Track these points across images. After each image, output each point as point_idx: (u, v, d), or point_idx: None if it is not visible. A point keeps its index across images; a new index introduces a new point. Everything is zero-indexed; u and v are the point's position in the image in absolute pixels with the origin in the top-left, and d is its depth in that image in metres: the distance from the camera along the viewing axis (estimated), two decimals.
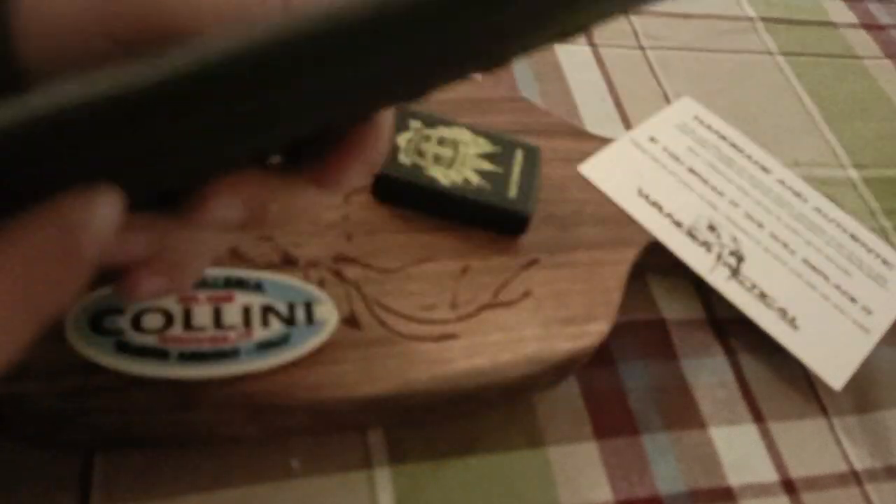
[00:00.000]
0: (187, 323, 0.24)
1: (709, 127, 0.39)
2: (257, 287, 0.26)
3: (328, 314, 0.26)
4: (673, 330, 0.33)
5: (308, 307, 0.26)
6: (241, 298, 0.25)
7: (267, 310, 0.25)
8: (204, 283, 0.25)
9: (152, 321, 0.24)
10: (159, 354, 0.23)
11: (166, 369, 0.23)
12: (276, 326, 0.25)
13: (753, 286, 0.33)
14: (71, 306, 0.23)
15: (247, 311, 0.25)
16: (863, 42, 0.51)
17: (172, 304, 0.25)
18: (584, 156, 0.35)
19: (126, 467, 0.25)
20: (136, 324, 0.24)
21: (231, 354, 0.24)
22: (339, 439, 0.27)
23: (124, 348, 0.23)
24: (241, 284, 0.26)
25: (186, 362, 0.24)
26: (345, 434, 0.27)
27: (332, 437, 0.27)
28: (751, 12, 0.50)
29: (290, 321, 0.25)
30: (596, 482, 0.28)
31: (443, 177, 0.30)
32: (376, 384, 0.25)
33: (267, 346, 0.25)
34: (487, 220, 0.31)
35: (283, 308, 0.25)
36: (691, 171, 0.36)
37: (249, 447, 0.26)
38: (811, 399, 0.33)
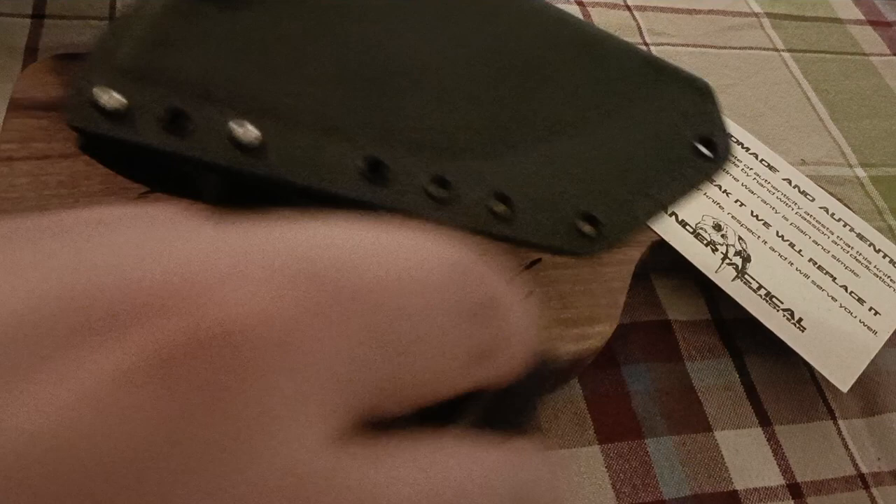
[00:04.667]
0: None
1: None
2: None
3: None
4: (678, 331, 0.33)
5: None
6: None
7: None
8: None
9: None
10: None
11: None
12: None
13: (760, 287, 0.32)
14: None
15: None
16: (869, 39, 0.50)
17: None
18: None
19: None
20: None
21: None
22: None
23: None
24: None
25: None
26: None
27: None
28: (756, 8, 0.49)
29: None
30: (599, 487, 0.28)
31: None
32: None
33: None
34: None
35: None
36: None
37: None
38: (818, 401, 0.32)
